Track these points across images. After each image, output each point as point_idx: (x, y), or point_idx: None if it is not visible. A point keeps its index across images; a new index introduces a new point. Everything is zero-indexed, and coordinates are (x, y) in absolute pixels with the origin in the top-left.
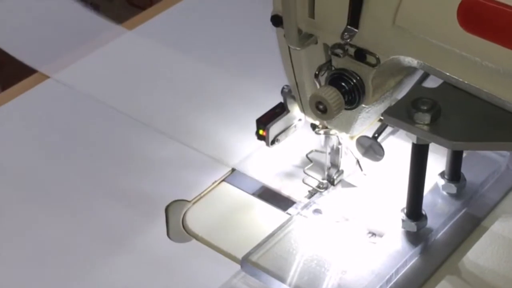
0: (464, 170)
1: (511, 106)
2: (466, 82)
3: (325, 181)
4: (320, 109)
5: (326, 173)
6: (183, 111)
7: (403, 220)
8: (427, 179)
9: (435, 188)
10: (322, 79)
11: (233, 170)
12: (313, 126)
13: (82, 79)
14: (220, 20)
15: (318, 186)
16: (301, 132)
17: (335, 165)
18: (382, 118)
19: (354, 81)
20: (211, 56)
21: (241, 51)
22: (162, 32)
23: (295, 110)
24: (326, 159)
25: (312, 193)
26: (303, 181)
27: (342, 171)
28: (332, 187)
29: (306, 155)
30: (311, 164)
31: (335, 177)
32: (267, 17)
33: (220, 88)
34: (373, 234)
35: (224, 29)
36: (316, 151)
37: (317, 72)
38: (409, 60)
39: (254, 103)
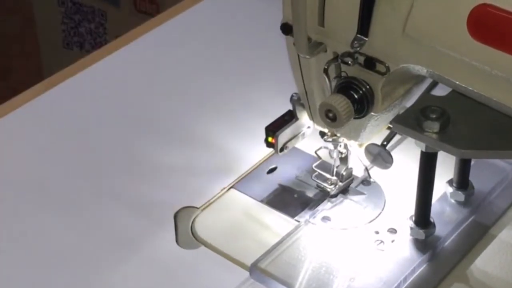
0: (472, 178)
1: None
2: (475, 90)
3: (334, 178)
4: (329, 117)
5: (335, 170)
6: (193, 118)
7: (411, 228)
8: (436, 187)
9: (443, 196)
10: (332, 84)
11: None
12: (322, 134)
13: (90, 85)
14: (230, 26)
15: (327, 182)
16: (309, 140)
17: (344, 162)
18: (390, 126)
19: (364, 89)
20: (219, 64)
21: (249, 59)
22: (170, 40)
23: (304, 118)
24: (335, 159)
25: (321, 188)
26: (311, 177)
27: (352, 169)
28: (340, 184)
29: (315, 152)
30: (320, 161)
31: (344, 173)
32: (278, 24)
33: (229, 95)
34: (381, 241)
35: (232, 36)
36: (325, 148)
37: (326, 67)
38: (419, 69)
39: (263, 111)
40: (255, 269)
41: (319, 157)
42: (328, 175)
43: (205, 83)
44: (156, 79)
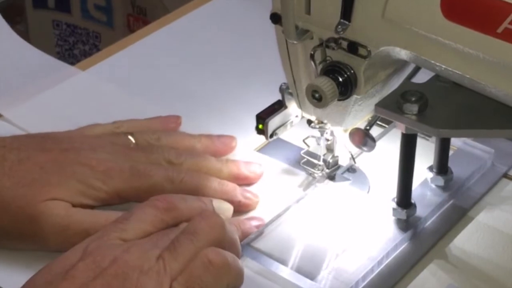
0: (451, 164)
1: (490, 91)
2: (450, 69)
3: (321, 163)
4: (315, 98)
5: (322, 157)
6: (185, 113)
7: (394, 209)
8: (418, 175)
9: (424, 181)
10: (318, 68)
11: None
12: (309, 122)
13: (87, 85)
14: (226, 27)
15: (314, 168)
16: (297, 132)
17: (330, 150)
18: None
19: (348, 73)
20: (212, 62)
21: (240, 56)
22: (165, 39)
23: (292, 107)
24: (321, 146)
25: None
26: (300, 163)
27: (338, 157)
28: (327, 170)
29: (303, 140)
30: (308, 148)
31: (330, 161)
32: (266, 21)
33: (222, 91)
34: (365, 222)
35: (224, 36)
36: (313, 137)
37: (312, 53)
38: (398, 51)
39: (254, 105)
40: (247, 246)
41: (307, 146)
42: (315, 161)
43: (198, 79)
44: (150, 78)
